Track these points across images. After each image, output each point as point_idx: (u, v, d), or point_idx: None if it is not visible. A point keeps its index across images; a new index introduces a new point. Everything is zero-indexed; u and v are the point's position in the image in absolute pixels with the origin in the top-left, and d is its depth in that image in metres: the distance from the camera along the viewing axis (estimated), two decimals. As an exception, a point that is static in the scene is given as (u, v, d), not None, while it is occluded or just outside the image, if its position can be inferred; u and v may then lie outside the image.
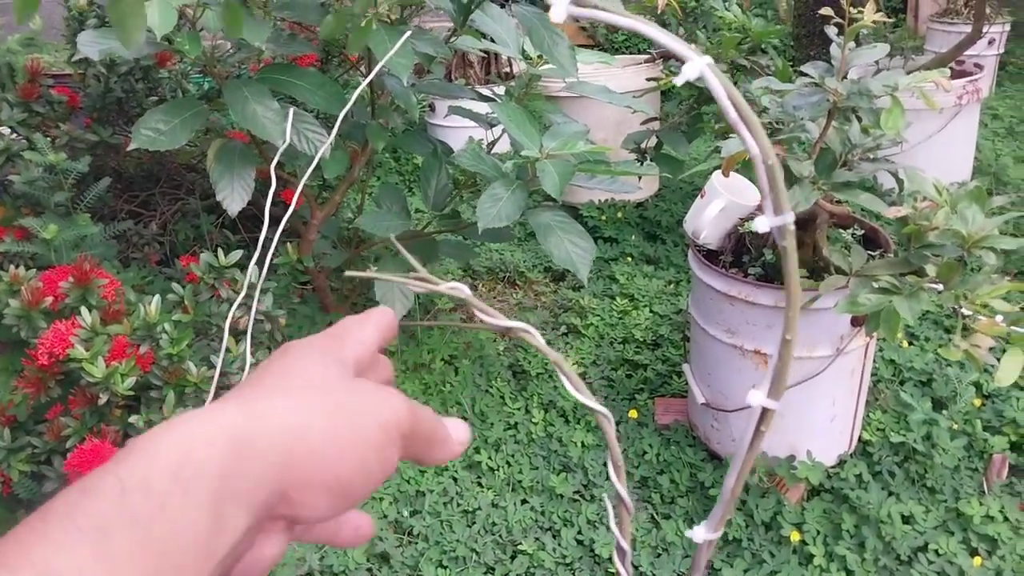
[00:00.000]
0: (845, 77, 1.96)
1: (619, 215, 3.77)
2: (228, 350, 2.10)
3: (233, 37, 1.81)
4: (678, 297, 3.27)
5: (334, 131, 1.56)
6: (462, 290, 0.95)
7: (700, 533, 0.82)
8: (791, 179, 1.92)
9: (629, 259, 3.54)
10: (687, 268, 3.44)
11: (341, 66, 3.21)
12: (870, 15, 1.78)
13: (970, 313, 2.07)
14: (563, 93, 3.72)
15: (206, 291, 2.10)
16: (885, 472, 2.40)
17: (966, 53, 3.75)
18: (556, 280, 3.56)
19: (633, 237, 3.66)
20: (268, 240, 1.58)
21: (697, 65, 0.61)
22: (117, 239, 2.92)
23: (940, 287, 1.96)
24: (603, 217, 3.77)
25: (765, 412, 0.77)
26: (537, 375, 2.90)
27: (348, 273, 0.65)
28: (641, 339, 3.03)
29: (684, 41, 0.63)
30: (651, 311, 3.19)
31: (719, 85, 0.62)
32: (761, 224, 0.71)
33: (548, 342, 3.07)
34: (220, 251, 2.05)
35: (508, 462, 2.59)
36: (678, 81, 0.59)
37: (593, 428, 2.68)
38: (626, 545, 0.91)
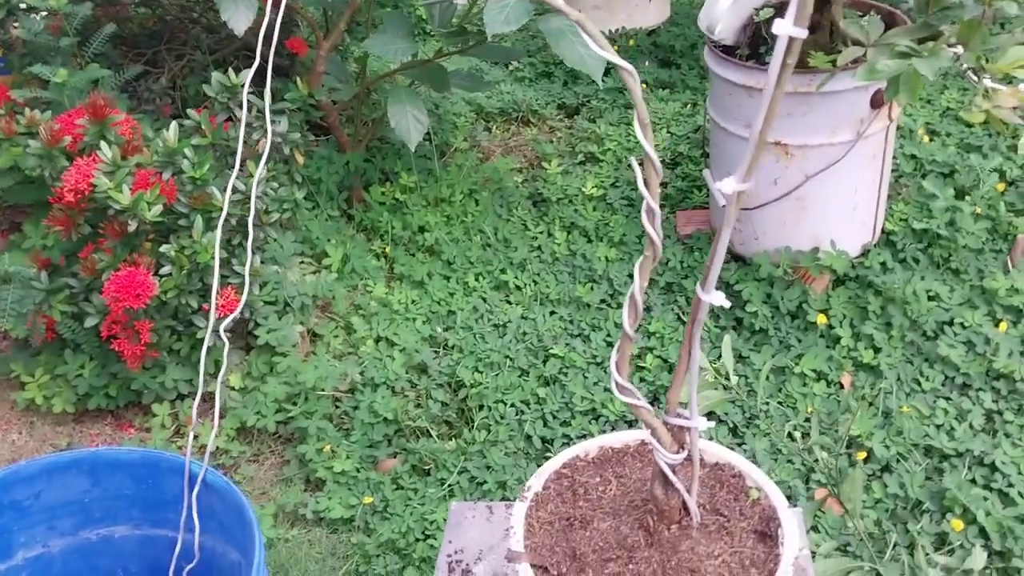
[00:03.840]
0: None
1: (631, 43, 3.71)
2: (242, 167, 2.11)
3: None
4: (694, 118, 3.23)
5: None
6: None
7: (731, 183, 0.83)
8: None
9: (644, 86, 3.48)
10: (703, 90, 3.40)
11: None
12: None
13: (988, 79, 2.04)
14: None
15: (221, 112, 2.11)
16: (909, 258, 2.41)
17: None
18: (570, 115, 3.52)
19: (647, 64, 3.60)
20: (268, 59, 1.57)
21: None
22: (128, 95, 2.91)
23: (960, 50, 1.93)
24: (615, 47, 3.69)
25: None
26: (557, 200, 2.90)
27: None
28: (660, 159, 3.01)
29: None
30: (668, 132, 3.17)
31: None
32: None
33: (565, 172, 3.08)
34: (231, 70, 2.04)
35: (534, 280, 2.62)
36: None
37: (616, 243, 2.70)
38: (655, 205, 0.93)
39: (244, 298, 1.39)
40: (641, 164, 0.89)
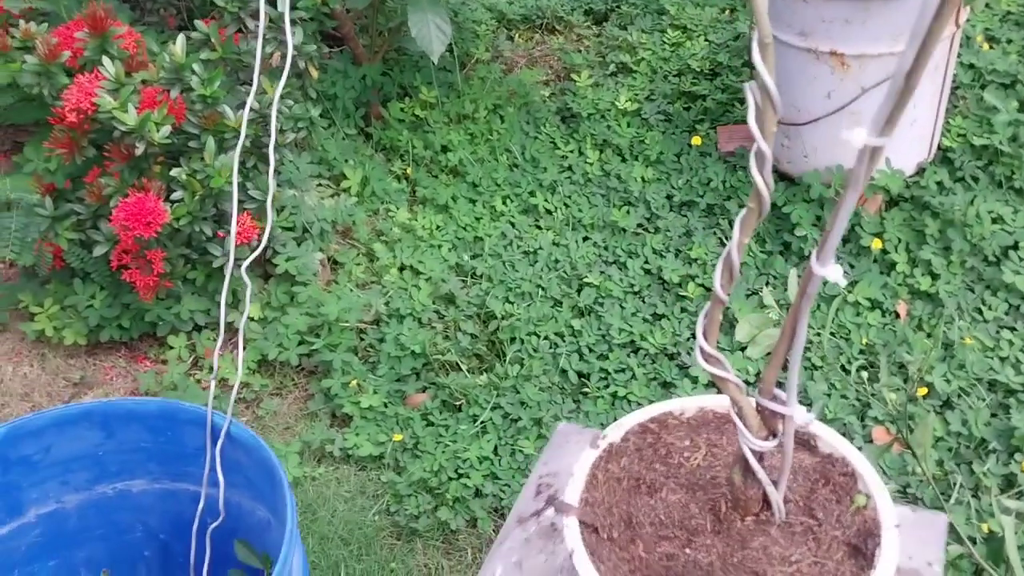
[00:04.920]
0: None
1: (663, -56, 3.46)
2: (264, 91, 1.95)
3: None
4: (734, 24, 3.02)
5: None
6: None
7: (861, 135, 0.67)
8: None
9: (677, -10, 3.26)
10: (741, -6, 3.18)
11: None
12: None
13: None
14: None
15: (232, 23, 1.94)
16: (968, 177, 2.25)
17: None
18: (599, 22, 3.31)
19: (680, -34, 3.37)
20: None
21: None
22: (130, 5, 2.73)
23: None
24: (645, -50, 3.45)
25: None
26: (588, 116, 2.73)
27: None
28: (698, 69, 2.83)
29: None
30: (706, 40, 2.96)
31: None
32: None
33: (595, 84, 2.90)
34: (240, -24, 1.87)
35: (566, 203, 2.48)
36: None
37: (653, 162, 2.54)
38: (767, 148, 0.73)
39: (268, 232, 1.26)
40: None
